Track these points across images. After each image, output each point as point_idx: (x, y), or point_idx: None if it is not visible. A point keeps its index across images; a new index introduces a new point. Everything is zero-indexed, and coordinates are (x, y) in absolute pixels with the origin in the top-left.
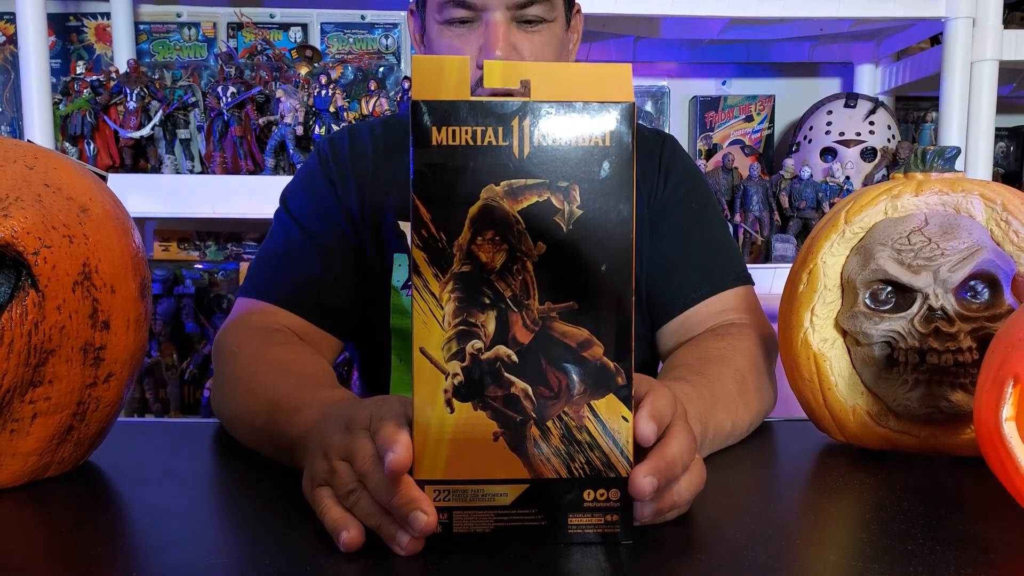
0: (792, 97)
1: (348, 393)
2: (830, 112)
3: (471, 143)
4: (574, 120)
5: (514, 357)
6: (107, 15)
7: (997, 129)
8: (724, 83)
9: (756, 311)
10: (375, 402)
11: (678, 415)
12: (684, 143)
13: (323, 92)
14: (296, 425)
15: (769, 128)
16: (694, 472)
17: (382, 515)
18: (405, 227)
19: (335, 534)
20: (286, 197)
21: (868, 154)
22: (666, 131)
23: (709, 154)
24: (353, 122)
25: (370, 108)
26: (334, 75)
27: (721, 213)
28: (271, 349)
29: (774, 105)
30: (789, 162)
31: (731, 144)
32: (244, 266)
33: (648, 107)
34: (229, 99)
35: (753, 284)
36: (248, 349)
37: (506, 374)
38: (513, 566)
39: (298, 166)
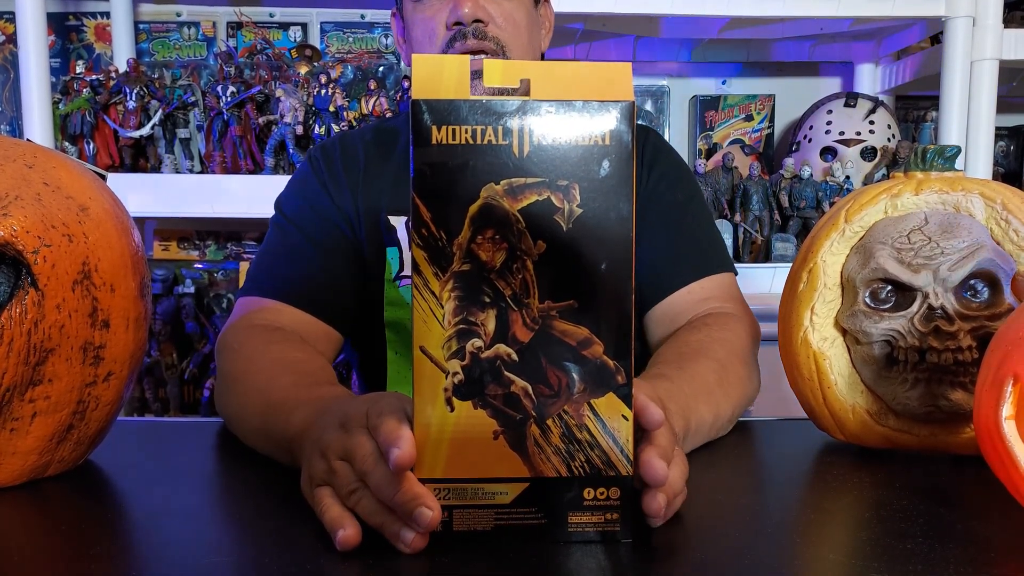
0: (792, 97)
1: (344, 390)
2: (830, 111)
3: (471, 142)
4: (574, 119)
5: (514, 356)
6: (107, 14)
7: (997, 129)
8: (724, 83)
9: (737, 299)
10: (370, 399)
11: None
12: (684, 142)
13: (323, 91)
14: (292, 424)
15: (769, 127)
16: (679, 461)
17: (385, 513)
18: (395, 221)
19: (332, 533)
20: (281, 203)
21: (868, 153)
22: (664, 131)
23: (709, 153)
24: (353, 122)
25: (370, 107)
26: (334, 74)
27: (706, 205)
28: (269, 347)
29: (774, 105)
30: (789, 161)
31: (731, 143)
32: (244, 266)
33: (648, 107)
34: (229, 98)
35: (736, 273)
36: (247, 347)
37: (506, 373)
38: (513, 565)
39: (298, 166)
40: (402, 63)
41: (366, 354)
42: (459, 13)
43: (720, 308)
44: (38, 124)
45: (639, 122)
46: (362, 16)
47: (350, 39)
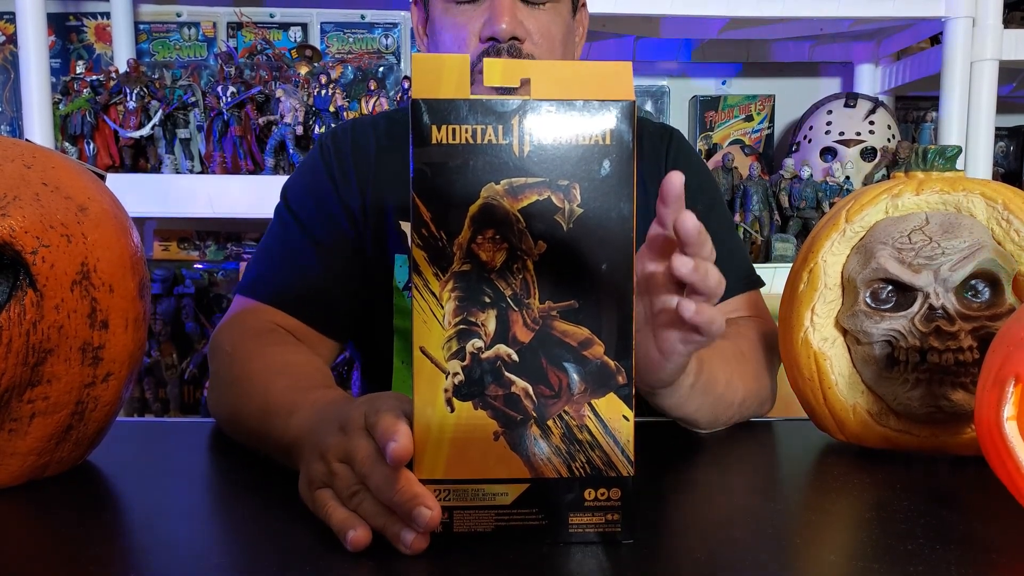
0: (792, 97)
1: (342, 393)
2: (830, 112)
3: (471, 141)
4: (574, 118)
5: (514, 356)
6: (107, 15)
7: (997, 129)
8: (724, 83)
9: (764, 313)
10: (368, 400)
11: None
12: None
13: (323, 92)
14: (291, 428)
15: (769, 128)
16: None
17: (386, 515)
18: (407, 227)
19: (342, 534)
20: (287, 191)
21: (868, 154)
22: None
23: (709, 154)
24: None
25: (370, 108)
26: (334, 75)
27: (728, 212)
28: (265, 350)
29: (774, 105)
30: (789, 162)
31: (731, 144)
32: (244, 266)
33: (648, 107)
34: (229, 99)
35: (762, 285)
36: (242, 350)
37: (506, 373)
38: (514, 566)
39: (298, 166)
40: (411, 55)
41: (371, 358)
42: (495, 28)
43: (747, 316)
44: (38, 124)
45: (659, 121)
46: (362, 16)
47: (350, 39)
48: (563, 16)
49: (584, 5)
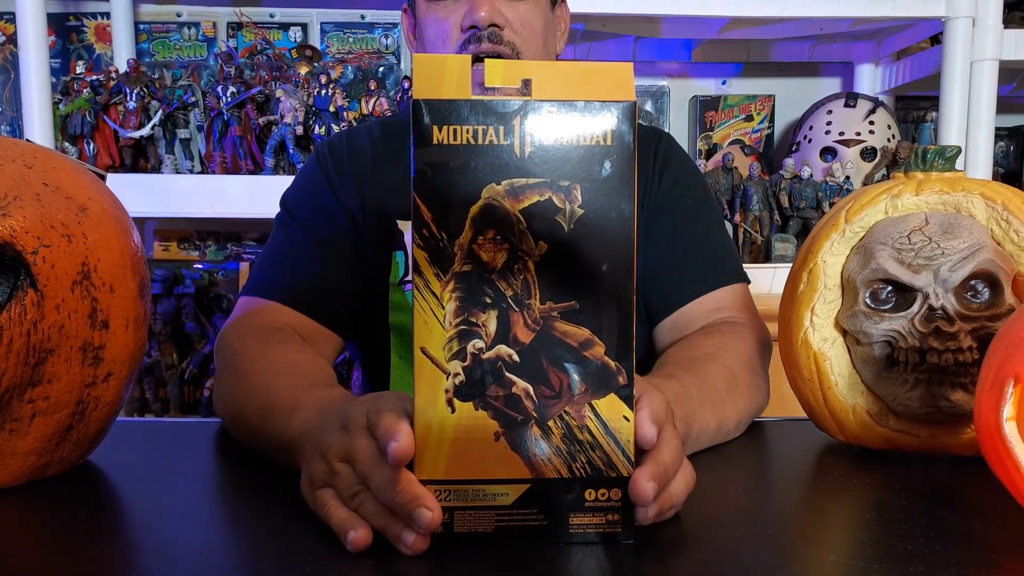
0: (792, 97)
1: (344, 392)
2: (830, 112)
3: (472, 142)
4: (575, 119)
5: (515, 357)
6: (107, 15)
7: (997, 129)
8: (724, 83)
9: (750, 309)
10: (370, 399)
11: (667, 419)
12: (684, 143)
13: (323, 92)
14: (293, 427)
15: (769, 128)
16: (685, 472)
17: (387, 515)
18: (403, 226)
19: (342, 534)
20: (286, 200)
21: (868, 154)
22: (664, 129)
23: (709, 154)
24: (353, 122)
25: (370, 108)
26: (334, 75)
27: (718, 211)
28: (269, 348)
29: (774, 105)
30: (789, 162)
31: (731, 144)
32: (244, 266)
33: (648, 107)
34: (229, 99)
35: (749, 282)
36: (246, 348)
37: (507, 374)
38: (514, 566)
39: (298, 166)
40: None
41: (371, 356)
42: (475, 17)
43: (732, 318)
44: (38, 124)
45: (650, 124)
46: (362, 16)
47: (350, 39)
48: (542, 7)
49: (563, 2)
